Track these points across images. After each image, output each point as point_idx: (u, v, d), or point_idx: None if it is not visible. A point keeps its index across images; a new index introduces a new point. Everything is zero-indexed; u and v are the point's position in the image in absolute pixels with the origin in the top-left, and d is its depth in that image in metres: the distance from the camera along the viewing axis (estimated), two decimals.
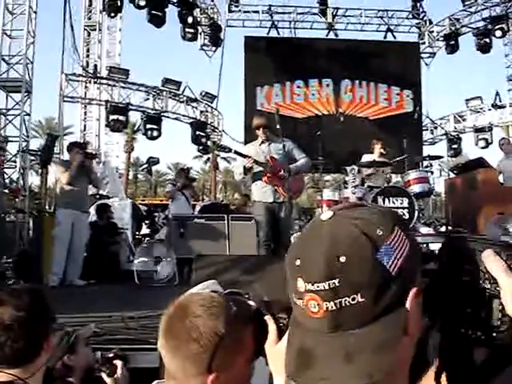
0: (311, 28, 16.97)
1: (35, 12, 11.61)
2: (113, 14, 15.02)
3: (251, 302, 1.41)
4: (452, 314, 0.90)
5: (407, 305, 0.84)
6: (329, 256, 0.83)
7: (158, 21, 14.45)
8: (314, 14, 16.79)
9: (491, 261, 0.87)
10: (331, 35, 16.78)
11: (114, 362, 2.76)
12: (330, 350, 0.84)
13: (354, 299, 0.82)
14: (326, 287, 0.83)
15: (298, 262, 0.87)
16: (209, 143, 16.46)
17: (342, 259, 0.82)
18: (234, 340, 1.41)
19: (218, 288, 1.70)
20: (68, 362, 2.61)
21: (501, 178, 9.77)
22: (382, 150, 9.02)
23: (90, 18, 18.97)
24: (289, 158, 6.67)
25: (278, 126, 6.54)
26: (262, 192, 6.74)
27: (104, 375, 2.69)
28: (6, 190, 10.87)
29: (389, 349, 0.81)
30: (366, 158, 9.08)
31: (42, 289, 2.25)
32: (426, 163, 9.81)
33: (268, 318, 1.26)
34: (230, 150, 7.06)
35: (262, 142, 6.79)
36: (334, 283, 0.82)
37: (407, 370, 0.92)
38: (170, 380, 1.48)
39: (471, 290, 0.90)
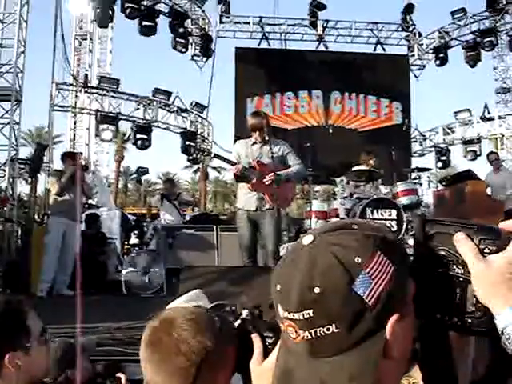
0: (302, 40, 17.05)
1: (26, 21, 11.60)
2: (104, 24, 15.03)
3: (242, 313, 1.41)
4: (427, 300, 0.90)
5: (387, 330, 0.83)
6: (304, 286, 0.83)
7: (149, 31, 14.47)
8: (305, 25, 16.86)
9: (463, 244, 0.87)
10: (321, 47, 16.87)
11: (118, 375, 2.74)
12: (307, 376, 0.85)
13: (328, 329, 0.82)
14: (301, 317, 0.84)
15: (278, 288, 0.88)
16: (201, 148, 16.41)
17: (317, 290, 0.82)
18: (219, 356, 1.41)
19: (203, 297, 1.70)
20: (71, 376, 2.57)
21: (489, 191, 9.84)
22: (372, 162, 9.05)
23: (81, 28, 19.01)
24: (282, 163, 6.21)
25: (266, 137, 6.11)
26: (245, 198, 6.19)
27: None
28: None
29: (364, 377, 0.81)
30: (354, 169, 9.11)
31: (18, 300, 2.13)
32: (414, 175, 9.84)
33: (255, 336, 1.27)
34: (216, 156, 6.75)
35: (254, 143, 6.22)
36: (308, 314, 0.83)
37: None
38: None
39: (445, 275, 0.89)
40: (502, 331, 0.81)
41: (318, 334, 0.83)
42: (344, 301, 0.81)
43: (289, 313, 0.85)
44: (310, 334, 0.83)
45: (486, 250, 0.86)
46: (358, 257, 0.83)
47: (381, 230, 0.91)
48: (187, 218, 11.56)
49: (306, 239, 0.89)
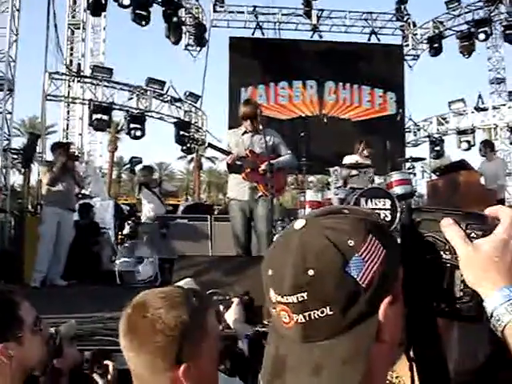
0: (296, 29, 16.98)
1: (18, 10, 11.51)
2: (97, 13, 14.97)
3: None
4: (415, 286, 0.90)
5: (380, 313, 0.83)
6: (297, 269, 0.83)
7: (142, 20, 14.37)
8: (299, 15, 16.80)
9: (450, 230, 0.87)
10: (316, 37, 16.81)
11: (105, 362, 2.72)
12: (299, 361, 0.84)
13: (322, 312, 0.82)
14: (295, 300, 0.83)
15: (270, 272, 0.87)
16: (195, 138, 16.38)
17: (311, 272, 0.82)
18: (198, 328, 1.42)
19: (194, 287, 1.71)
20: (58, 365, 2.54)
21: (482, 181, 9.85)
22: (365, 152, 9.05)
23: (73, 17, 18.82)
24: (273, 153, 6.12)
25: (261, 127, 6.06)
26: (238, 188, 6.14)
27: (97, 376, 2.65)
28: None
29: (358, 360, 0.81)
30: (347, 159, 9.10)
31: (9, 290, 2.10)
32: (408, 165, 9.83)
33: None
34: (210, 145, 6.72)
35: (245, 132, 6.17)
36: (302, 296, 0.82)
37: (386, 376, 0.93)
38: (137, 381, 1.47)
39: (432, 261, 0.89)
40: (492, 313, 0.82)
41: (312, 317, 0.82)
42: (338, 283, 0.81)
43: (282, 296, 0.84)
44: (304, 317, 0.83)
45: (473, 235, 0.87)
46: (350, 240, 0.83)
47: (371, 215, 0.92)
48: (181, 208, 11.55)
49: (298, 223, 0.88)
